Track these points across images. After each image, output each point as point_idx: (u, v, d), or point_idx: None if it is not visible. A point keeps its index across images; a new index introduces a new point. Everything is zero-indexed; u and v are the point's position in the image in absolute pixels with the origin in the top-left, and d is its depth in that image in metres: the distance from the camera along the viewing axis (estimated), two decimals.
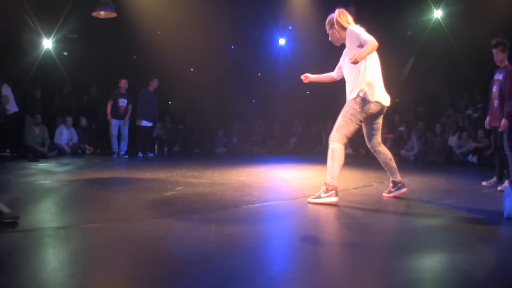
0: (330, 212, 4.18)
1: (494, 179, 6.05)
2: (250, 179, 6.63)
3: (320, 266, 2.62)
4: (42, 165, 8.36)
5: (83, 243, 3.03)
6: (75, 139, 11.70)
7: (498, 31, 9.68)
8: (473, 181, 7.04)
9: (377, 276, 2.46)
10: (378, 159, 4.91)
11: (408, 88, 13.03)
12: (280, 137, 14.45)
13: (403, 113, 12.57)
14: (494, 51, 5.70)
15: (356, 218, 3.89)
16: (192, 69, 13.27)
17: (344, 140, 4.49)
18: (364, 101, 4.41)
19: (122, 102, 10.94)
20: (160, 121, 13.26)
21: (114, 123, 10.90)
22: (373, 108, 4.45)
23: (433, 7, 10.39)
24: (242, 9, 12.12)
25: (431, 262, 2.74)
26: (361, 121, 4.54)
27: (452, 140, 10.58)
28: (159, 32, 13.09)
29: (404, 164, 10.04)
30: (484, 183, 6.09)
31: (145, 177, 6.64)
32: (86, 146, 11.85)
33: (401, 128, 11.66)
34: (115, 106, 10.91)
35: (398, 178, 4.92)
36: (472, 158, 9.95)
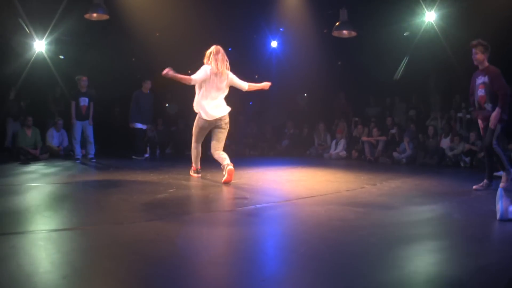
0: (322, 214, 4.19)
1: (485, 181, 6.02)
2: (242, 181, 6.64)
3: (312, 268, 2.63)
4: (34, 168, 8.32)
5: (75, 245, 3.02)
6: (66, 142, 11.61)
7: (492, 34, 9.76)
8: (465, 183, 7.06)
9: (368, 278, 2.48)
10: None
11: (401, 90, 13.06)
12: (272, 139, 14.44)
13: (395, 116, 12.60)
14: (474, 50, 5.92)
15: (348, 220, 3.91)
16: (189, 71, 13.26)
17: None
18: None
19: (83, 101, 10.12)
20: (153, 123, 13.18)
21: (78, 125, 10.07)
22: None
23: (425, 9, 10.43)
24: (236, 11, 12.08)
25: (422, 265, 2.75)
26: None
27: (445, 142, 10.60)
28: (157, 34, 13.02)
29: (396, 166, 10.07)
30: (475, 186, 6.02)
31: (137, 179, 6.63)
32: None
33: (393, 131, 11.66)
34: (77, 106, 10.05)
35: (199, 166, 7.12)
36: (465, 159, 9.98)
